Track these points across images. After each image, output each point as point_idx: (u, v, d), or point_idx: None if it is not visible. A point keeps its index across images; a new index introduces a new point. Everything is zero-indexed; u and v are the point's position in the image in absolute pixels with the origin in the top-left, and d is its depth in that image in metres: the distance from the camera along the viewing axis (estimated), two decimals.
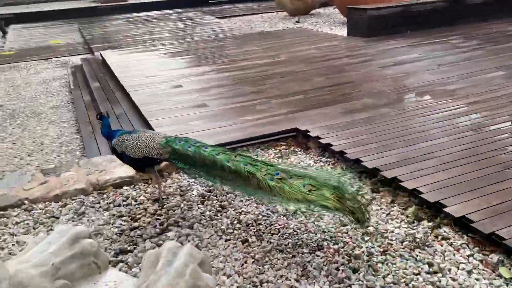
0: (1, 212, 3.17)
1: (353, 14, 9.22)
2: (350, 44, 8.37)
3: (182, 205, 3.26)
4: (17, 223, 3.07)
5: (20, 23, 15.67)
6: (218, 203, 3.25)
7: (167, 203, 3.28)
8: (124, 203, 3.33)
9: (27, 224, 3.05)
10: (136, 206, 3.28)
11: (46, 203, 3.31)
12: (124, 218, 3.11)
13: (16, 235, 2.92)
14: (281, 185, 2.55)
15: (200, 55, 8.22)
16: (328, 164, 3.83)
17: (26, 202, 3.27)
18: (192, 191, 3.47)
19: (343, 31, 10.04)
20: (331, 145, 3.91)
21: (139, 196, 3.42)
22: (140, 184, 3.61)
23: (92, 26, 14.36)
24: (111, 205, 3.29)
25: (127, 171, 3.64)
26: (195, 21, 14.39)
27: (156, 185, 3.37)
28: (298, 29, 11.14)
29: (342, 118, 4.55)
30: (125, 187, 3.56)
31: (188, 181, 3.61)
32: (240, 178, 2.71)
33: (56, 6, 18.11)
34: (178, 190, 3.49)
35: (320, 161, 3.92)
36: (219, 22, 13.89)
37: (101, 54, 8.62)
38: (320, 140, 4.03)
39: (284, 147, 4.24)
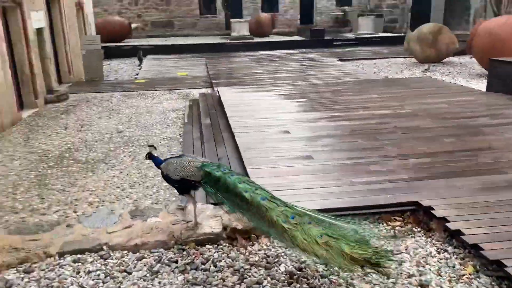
0: (78, 256, 3.00)
1: (496, 66, 8.04)
2: (490, 101, 7.22)
3: (265, 282, 2.74)
4: (89, 272, 2.85)
5: (156, 54, 17.09)
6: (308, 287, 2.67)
7: (249, 276, 2.79)
8: (203, 266, 2.93)
9: (98, 275, 2.81)
10: (215, 273, 2.85)
11: (124, 252, 3.06)
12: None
13: None
14: (294, 229, 2.48)
15: (315, 99, 7.81)
16: (455, 257, 3.00)
17: (105, 248, 3.07)
18: (280, 265, 2.94)
19: (481, 85, 8.86)
20: (462, 233, 3.08)
21: (220, 261, 2.99)
22: (224, 244, 3.20)
23: (217, 62, 15.00)
24: (188, 267, 2.91)
25: (214, 226, 3.27)
26: (316, 62, 14.16)
27: (192, 210, 3.38)
28: (427, 79, 10.16)
29: (479, 196, 3.66)
30: (208, 246, 3.17)
31: (277, 251, 3.10)
32: (256, 210, 2.72)
33: (190, 41, 19.49)
34: (264, 260, 2.99)
35: (445, 250, 3.11)
36: (340, 64, 13.46)
37: (217, 90, 8.72)
38: (448, 224, 3.22)
39: (399, 223, 3.50)
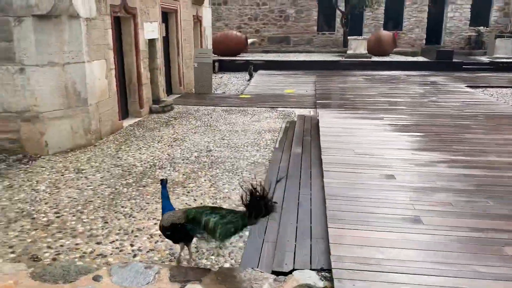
0: None
1: None
2: None
3: None
4: None
5: (267, 69, 16.86)
6: None
7: None
8: None
9: None
10: None
11: None
12: None
13: None
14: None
15: (433, 134, 6.57)
16: None
17: None
18: None
19: None
20: None
21: None
22: None
23: (328, 80, 14.18)
24: None
25: None
26: (439, 87, 12.52)
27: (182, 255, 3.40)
28: None
29: None
30: None
31: None
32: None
33: (302, 57, 18.98)
34: None
35: None
36: (469, 92, 11.67)
37: (318, 113, 7.90)
38: None
39: None
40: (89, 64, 6.55)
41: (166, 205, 3.36)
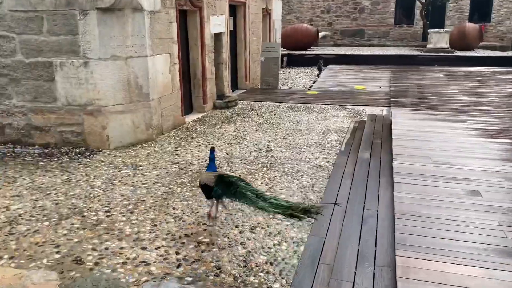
0: None
1: None
2: None
3: None
4: None
5: (337, 64, 16.14)
6: None
7: None
8: None
9: None
10: None
11: None
12: None
13: None
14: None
15: None
16: None
17: None
18: None
19: None
20: None
21: None
22: None
23: (404, 77, 13.21)
24: None
25: None
26: None
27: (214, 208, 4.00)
28: None
29: None
30: None
31: None
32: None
33: (377, 51, 17.96)
34: None
35: None
36: None
37: (391, 113, 7.20)
38: None
39: None
40: (152, 58, 6.46)
41: (211, 166, 4.02)
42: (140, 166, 5.48)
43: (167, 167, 5.44)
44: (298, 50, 18.34)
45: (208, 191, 3.79)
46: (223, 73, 9.73)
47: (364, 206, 3.92)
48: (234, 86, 11.54)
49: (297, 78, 13.95)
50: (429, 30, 17.87)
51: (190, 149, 6.22)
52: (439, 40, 17.04)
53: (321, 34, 20.09)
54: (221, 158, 5.78)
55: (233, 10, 11.01)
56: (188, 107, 8.52)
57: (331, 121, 7.93)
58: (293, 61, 16.84)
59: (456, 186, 4.21)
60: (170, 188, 4.73)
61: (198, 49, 8.40)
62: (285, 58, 16.63)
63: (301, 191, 4.61)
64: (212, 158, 4.02)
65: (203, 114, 8.56)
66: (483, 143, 5.64)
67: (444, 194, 4.01)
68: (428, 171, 4.57)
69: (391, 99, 9.30)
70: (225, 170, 5.32)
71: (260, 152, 6.05)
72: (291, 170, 5.30)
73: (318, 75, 14.21)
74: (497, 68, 14.44)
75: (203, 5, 8.27)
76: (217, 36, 9.33)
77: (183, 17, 8.14)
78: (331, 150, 6.14)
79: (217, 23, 9.15)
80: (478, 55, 16.28)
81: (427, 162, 4.84)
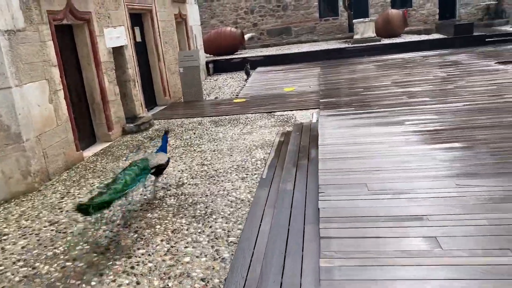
0: None
1: None
2: None
3: None
4: None
5: (266, 65, 15.27)
6: None
7: None
8: None
9: None
10: None
11: None
12: None
13: None
14: None
15: (479, 143, 4.83)
16: None
17: None
18: None
19: None
20: None
21: None
22: None
23: (333, 72, 12.53)
24: None
25: None
26: (465, 67, 10.76)
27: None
28: None
29: None
30: None
31: None
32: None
33: (305, 48, 17.29)
34: None
35: None
36: (502, 70, 9.89)
37: (317, 121, 6.25)
38: None
39: None
40: (19, 89, 5.11)
41: (163, 147, 4.82)
42: (5, 234, 4.15)
43: (40, 231, 4.14)
44: (225, 55, 17.32)
45: (160, 170, 4.66)
46: (131, 92, 8.46)
47: (282, 274, 2.83)
48: (153, 103, 10.29)
49: (224, 86, 12.90)
50: (354, 20, 17.47)
51: (80, 196, 4.94)
52: (365, 29, 16.66)
53: (247, 36, 19.19)
54: (116, 206, 4.52)
55: (139, 19, 9.76)
56: (89, 138, 7.19)
57: (257, 134, 6.92)
58: (220, 68, 15.77)
59: (404, 232, 3.14)
60: (34, 268, 3.46)
61: (93, 68, 7.10)
62: (211, 65, 15.53)
63: (212, 246, 3.51)
64: (165, 139, 4.78)
65: (109, 144, 7.26)
66: (428, 153, 4.70)
67: (387, 251, 2.95)
68: (363, 211, 3.48)
69: (320, 100, 8.47)
70: (117, 227, 4.11)
71: (169, 190, 4.89)
72: (203, 212, 4.20)
73: (246, 80, 13.24)
74: (425, 52, 14.18)
75: (91, 16, 6.97)
76: (118, 51, 8.05)
77: (68, 33, 6.81)
78: (255, 174, 5.10)
79: (115, 35, 7.87)
80: (405, 40, 16.05)
81: (362, 192, 3.81)
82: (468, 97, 7.44)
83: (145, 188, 4.90)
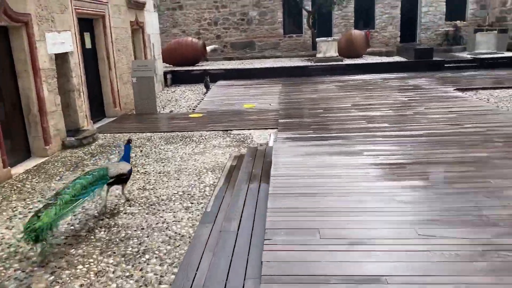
0: None
1: None
2: None
3: None
4: None
5: (227, 79, 14.85)
6: None
7: None
8: None
9: None
10: None
11: None
12: None
13: None
14: None
15: (442, 181, 4.54)
16: None
17: None
18: None
19: None
20: None
21: None
22: None
23: (294, 90, 12.27)
24: None
25: None
26: (424, 92, 10.75)
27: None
28: None
29: None
30: None
31: None
32: None
33: (268, 64, 17.01)
34: None
35: None
36: (460, 97, 9.92)
37: (272, 148, 5.85)
38: None
39: None
40: None
41: (125, 157, 4.69)
42: None
43: None
44: (185, 65, 16.76)
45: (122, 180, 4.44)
46: (75, 102, 7.78)
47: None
48: (101, 114, 9.62)
49: (181, 98, 12.34)
50: (317, 39, 17.41)
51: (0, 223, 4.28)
52: (328, 48, 16.61)
53: (210, 47, 18.72)
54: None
55: (89, 25, 9.11)
56: (22, 152, 6.47)
57: (209, 155, 6.44)
58: (179, 79, 15.20)
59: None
60: None
61: (30, 76, 6.42)
62: (169, 76, 14.94)
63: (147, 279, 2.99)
64: (128, 148, 4.64)
65: (45, 159, 6.56)
66: (388, 191, 4.33)
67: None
68: (313, 267, 2.97)
69: (279, 120, 8.11)
70: (33, 260, 3.50)
71: (101, 220, 4.31)
72: (135, 250, 3.66)
73: (205, 93, 12.75)
74: (386, 74, 14.23)
75: (30, 19, 6.31)
76: (62, 57, 7.38)
77: (3, 36, 6.13)
78: (201, 203, 4.61)
79: (59, 41, 7.21)
80: (367, 62, 16.10)
81: (313, 241, 3.33)
82: (427, 125, 7.28)
83: (74, 215, 4.30)
